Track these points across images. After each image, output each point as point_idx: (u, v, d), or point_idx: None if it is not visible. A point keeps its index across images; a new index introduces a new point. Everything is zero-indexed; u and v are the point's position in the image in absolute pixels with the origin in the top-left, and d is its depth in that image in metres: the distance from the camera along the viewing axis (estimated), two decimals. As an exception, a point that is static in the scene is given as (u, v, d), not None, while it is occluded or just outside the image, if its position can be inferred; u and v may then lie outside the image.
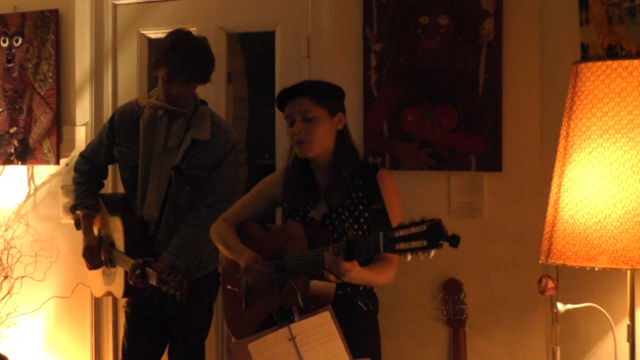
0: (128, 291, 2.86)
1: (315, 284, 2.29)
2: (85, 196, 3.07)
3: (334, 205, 2.42)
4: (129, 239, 2.87)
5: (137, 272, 2.72)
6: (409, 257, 1.99)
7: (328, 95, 2.43)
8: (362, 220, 2.42)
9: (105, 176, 3.19)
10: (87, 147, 3.20)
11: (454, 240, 1.95)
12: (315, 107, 2.40)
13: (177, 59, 2.78)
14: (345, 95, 2.51)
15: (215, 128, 2.92)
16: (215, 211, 2.83)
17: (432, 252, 1.96)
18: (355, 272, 2.21)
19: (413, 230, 1.97)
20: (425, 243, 1.94)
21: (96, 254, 3.04)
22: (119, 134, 3.02)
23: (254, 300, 2.53)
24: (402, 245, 1.98)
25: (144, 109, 2.96)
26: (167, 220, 2.90)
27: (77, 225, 3.10)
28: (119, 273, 2.90)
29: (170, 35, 2.88)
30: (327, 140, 2.42)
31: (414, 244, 1.96)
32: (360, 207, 2.42)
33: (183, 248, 2.82)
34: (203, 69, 2.86)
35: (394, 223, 2.31)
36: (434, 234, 1.94)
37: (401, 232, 1.99)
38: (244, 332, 2.47)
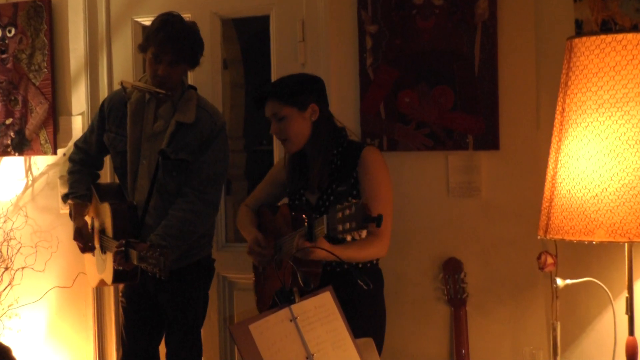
0: (117, 276, 2.85)
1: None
2: (77, 186, 3.07)
3: (324, 188, 2.55)
4: (116, 223, 2.87)
5: (121, 253, 2.72)
6: (349, 238, 2.05)
7: (294, 93, 2.53)
8: (349, 200, 2.49)
9: (100, 166, 3.19)
10: (81, 136, 3.20)
11: (379, 220, 2.00)
12: (284, 107, 2.54)
13: (164, 38, 2.79)
14: (321, 84, 2.60)
15: (201, 111, 2.91)
16: (203, 195, 2.84)
17: (364, 233, 2.02)
18: (322, 251, 2.24)
19: (347, 212, 2.04)
20: (354, 225, 2.01)
21: (87, 235, 3.03)
22: (108, 120, 3.02)
23: (267, 281, 2.63)
24: (341, 227, 2.05)
25: (132, 93, 2.96)
26: (155, 205, 2.89)
27: (71, 215, 3.10)
28: (109, 259, 2.89)
29: (159, 16, 2.89)
30: (305, 133, 2.56)
31: (348, 225, 2.02)
32: (345, 187, 2.53)
33: (170, 231, 2.80)
34: (190, 50, 2.85)
35: (378, 201, 2.46)
36: (360, 215, 2.00)
37: (339, 215, 2.06)
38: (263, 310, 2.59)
